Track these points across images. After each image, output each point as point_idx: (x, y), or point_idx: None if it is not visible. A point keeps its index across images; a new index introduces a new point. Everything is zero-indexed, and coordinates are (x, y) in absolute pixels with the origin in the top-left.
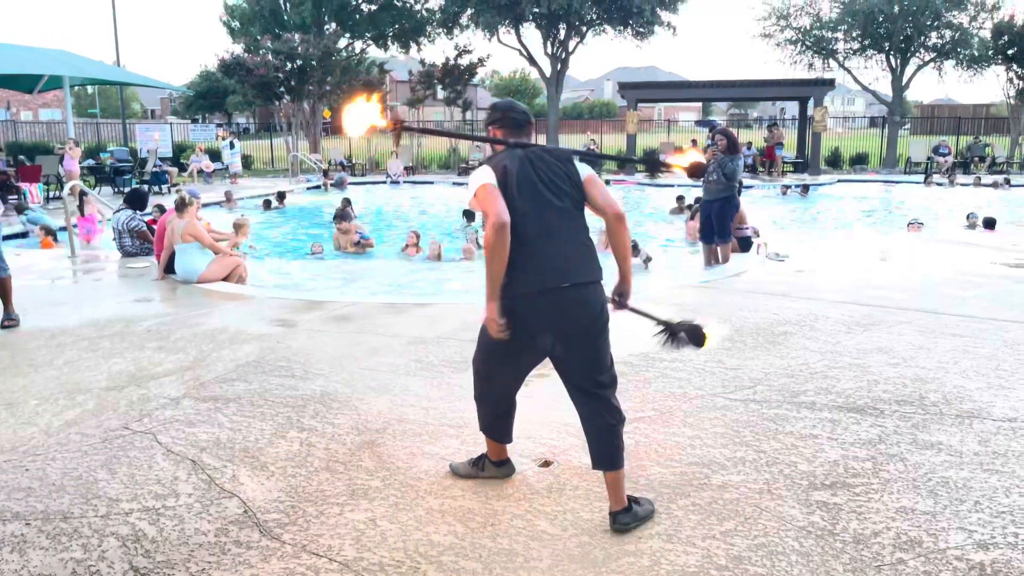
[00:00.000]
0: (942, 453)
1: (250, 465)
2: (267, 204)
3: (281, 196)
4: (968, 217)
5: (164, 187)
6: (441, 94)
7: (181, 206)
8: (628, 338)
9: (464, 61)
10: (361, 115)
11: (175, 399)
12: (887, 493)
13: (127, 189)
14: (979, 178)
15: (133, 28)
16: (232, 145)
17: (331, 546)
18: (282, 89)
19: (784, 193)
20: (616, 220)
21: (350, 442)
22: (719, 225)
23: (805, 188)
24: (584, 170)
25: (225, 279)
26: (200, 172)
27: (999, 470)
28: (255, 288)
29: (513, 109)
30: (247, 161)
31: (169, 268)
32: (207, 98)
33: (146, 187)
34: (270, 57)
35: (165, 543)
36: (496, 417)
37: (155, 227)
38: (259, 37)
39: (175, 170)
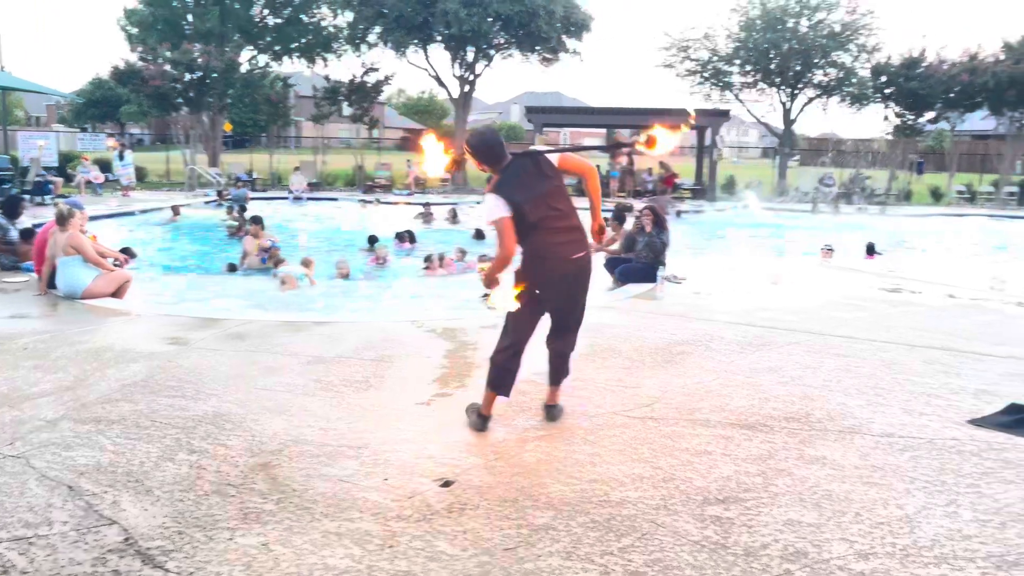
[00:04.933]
0: (826, 467)
1: (133, 490)
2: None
3: (242, 210)
4: (873, 247)
5: (48, 198)
6: (347, 111)
7: (62, 219)
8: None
9: (371, 79)
10: (436, 158)
11: (52, 421)
12: (776, 506)
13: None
14: (860, 208)
15: (18, 31)
16: (122, 156)
17: (219, 573)
18: (180, 100)
19: (678, 215)
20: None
21: (243, 464)
22: (621, 275)
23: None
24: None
25: (114, 295)
26: (89, 184)
27: (877, 483)
28: (145, 304)
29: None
30: (141, 173)
31: (52, 283)
32: (99, 106)
33: (26, 196)
34: (168, 67)
35: (36, 574)
36: None
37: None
38: (156, 47)
39: (60, 180)
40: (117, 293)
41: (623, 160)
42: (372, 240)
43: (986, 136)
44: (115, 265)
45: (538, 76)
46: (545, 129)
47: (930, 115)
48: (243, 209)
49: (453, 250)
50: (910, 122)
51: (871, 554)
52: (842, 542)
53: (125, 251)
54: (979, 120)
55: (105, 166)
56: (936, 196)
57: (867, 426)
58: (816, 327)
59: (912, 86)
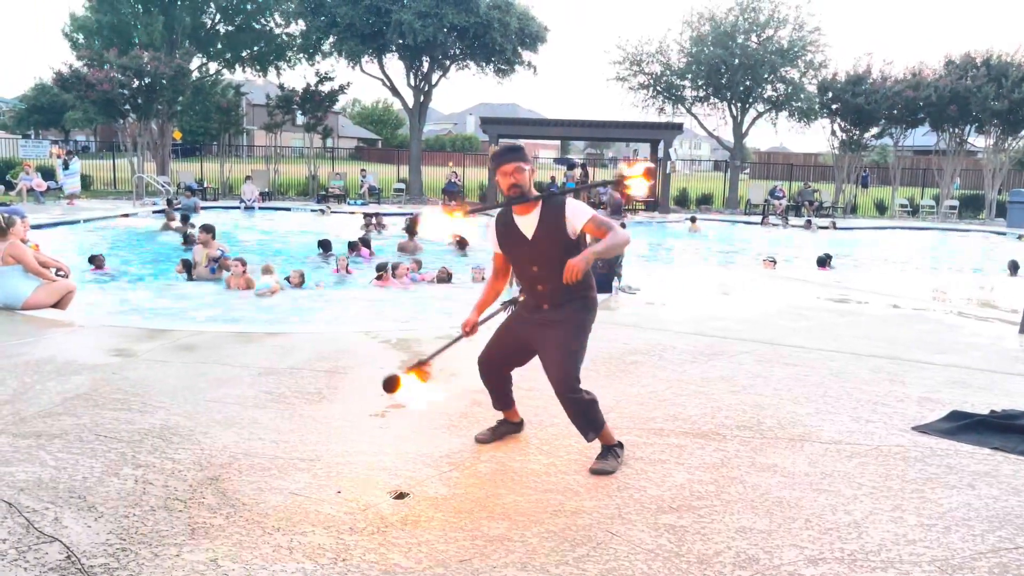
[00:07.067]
0: (777, 475)
1: (76, 506)
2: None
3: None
4: (826, 259)
5: None
6: (300, 120)
7: (2, 228)
8: None
9: (325, 88)
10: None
11: None
12: (728, 514)
13: None
14: (809, 221)
15: None
16: (67, 165)
17: None
18: (127, 107)
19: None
20: None
21: (191, 478)
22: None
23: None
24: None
25: (56, 306)
26: (31, 191)
27: (826, 489)
28: (90, 315)
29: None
30: (86, 181)
31: None
32: (42, 112)
33: None
34: (115, 73)
35: None
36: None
37: None
38: (104, 52)
39: (0, 188)
40: (59, 304)
41: (578, 173)
42: (325, 245)
43: (927, 151)
44: (58, 275)
45: (494, 87)
46: (500, 141)
47: (875, 130)
48: (185, 219)
49: (408, 261)
50: (855, 137)
51: (820, 559)
52: (793, 548)
53: (95, 259)
54: (921, 136)
55: (48, 174)
56: (880, 209)
57: (816, 434)
58: (766, 336)
59: (857, 102)
